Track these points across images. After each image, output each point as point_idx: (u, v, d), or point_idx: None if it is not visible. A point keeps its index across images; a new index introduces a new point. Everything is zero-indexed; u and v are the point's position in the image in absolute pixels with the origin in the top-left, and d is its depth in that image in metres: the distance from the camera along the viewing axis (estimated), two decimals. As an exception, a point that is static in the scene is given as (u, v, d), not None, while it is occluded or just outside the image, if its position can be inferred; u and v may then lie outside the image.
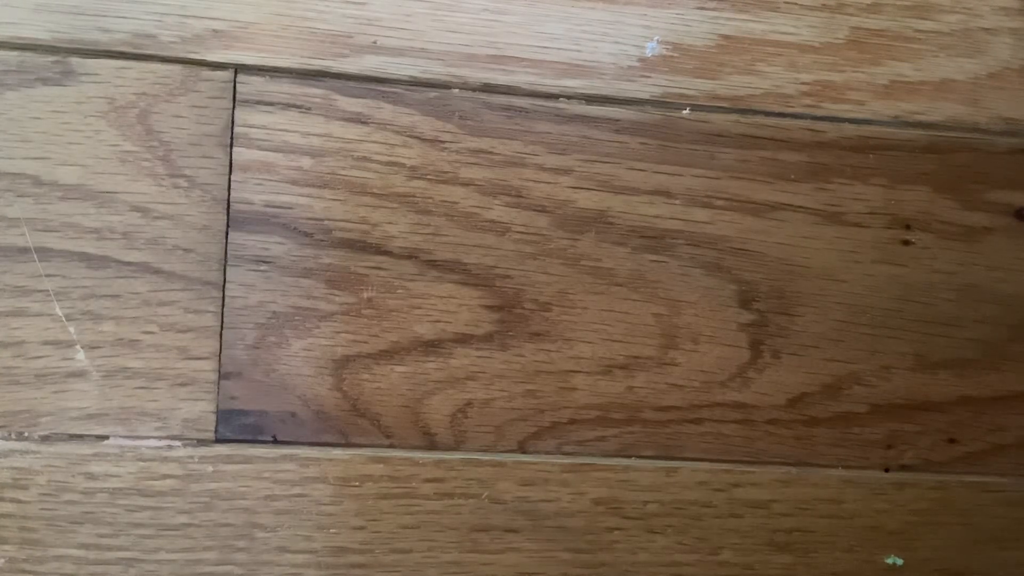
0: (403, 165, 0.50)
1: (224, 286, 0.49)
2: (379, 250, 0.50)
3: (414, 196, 0.50)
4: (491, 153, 0.51)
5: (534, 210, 0.51)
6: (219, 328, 0.48)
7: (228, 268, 0.49)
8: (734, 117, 0.52)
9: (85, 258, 0.48)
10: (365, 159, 0.50)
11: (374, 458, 0.49)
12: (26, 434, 0.47)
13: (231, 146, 0.49)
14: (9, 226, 0.47)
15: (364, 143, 0.50)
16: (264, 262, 0.49)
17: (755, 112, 0.53)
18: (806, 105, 0.53)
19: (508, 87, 0.51)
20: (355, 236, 0.50)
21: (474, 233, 0.50)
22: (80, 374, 0.47)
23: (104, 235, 0.48)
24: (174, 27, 0.49)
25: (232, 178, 0.49)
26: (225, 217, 0.49)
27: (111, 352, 0.48)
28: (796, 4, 0.53)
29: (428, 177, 0.50)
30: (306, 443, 0.49)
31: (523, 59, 0.51)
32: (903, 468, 0.53)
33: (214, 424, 0.48)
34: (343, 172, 0.50)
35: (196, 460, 0.48)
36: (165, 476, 0.48)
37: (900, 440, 0.53)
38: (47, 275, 0.47)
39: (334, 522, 0.49)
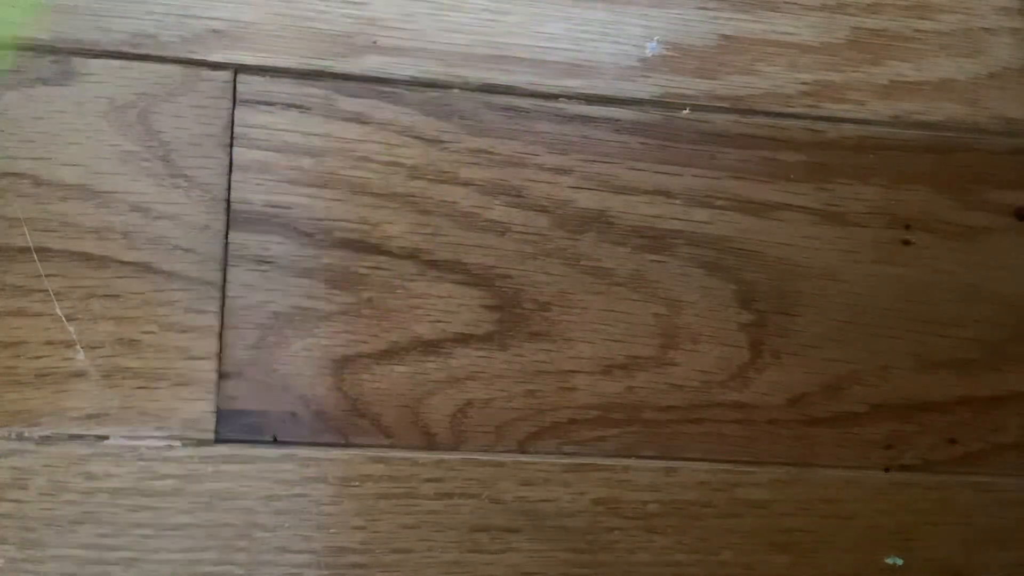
0: (403, 165, 0.50)
1: (224, 286, 0.49)
2: (379, 250, 0.50)
3: (414, 196, 0.50)
4: (491, 153, 0.51)
5: (534, 210, 0.51)
6: (219, 328, 0.48)
7: (228, 268, 0.49)
8: (734, 117, 0.53)
9: (85, 258, 0.48)
10: (365, 159, 0.50)
11: (374, 458, 0.49)
12: (26, 434, 0.47)
13: (231, 146, 0.49)
14: (9, 226, 0.47)
15: (364, 143, 0.50)
16: (264, 262, 0.49)
17: (755, 112, 0.53)
18: (806, 105, 0.53)
19: (508, 87, 0.51)
20: (355, 236, 0.50)
21: (474, 233, 0.50)
22: (80, 374, 0.47)
23: (104, 235, 0.48)
24: (174, 27, 0.49)
25: (232, 178, 0.49)
26: (225, 217, 0.49)
27: (111, 352, 0.48)
28: (796, 4, 0.53)
29: (428, 177, 0.50)
30: (306, 443, 0.49)
31: (523, 59, 0.51)
32: (903, 468, 0.53)
33: (214, 424, 0.48)
34: (343, 172, 0.50)
35: (196, 460, 0.48)
36: (165, 476, 0.48)
37: (900, 440, 0.53)
38: (47, 275, 0.47)
39: (334, 522, 0.49)
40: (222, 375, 0.48)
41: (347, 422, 0.49)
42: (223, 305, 0.49)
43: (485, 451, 0.50)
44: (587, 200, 0.51)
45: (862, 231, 0.53)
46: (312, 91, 0.50)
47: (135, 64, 0.48)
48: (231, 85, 0.49)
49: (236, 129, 0.49)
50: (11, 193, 0.47)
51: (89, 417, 0.48)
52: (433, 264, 0.50)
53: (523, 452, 0.50)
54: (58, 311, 0.47)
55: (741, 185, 0.52)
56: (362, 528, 0.49)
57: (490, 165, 0.51)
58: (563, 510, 0.51)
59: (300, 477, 0.49)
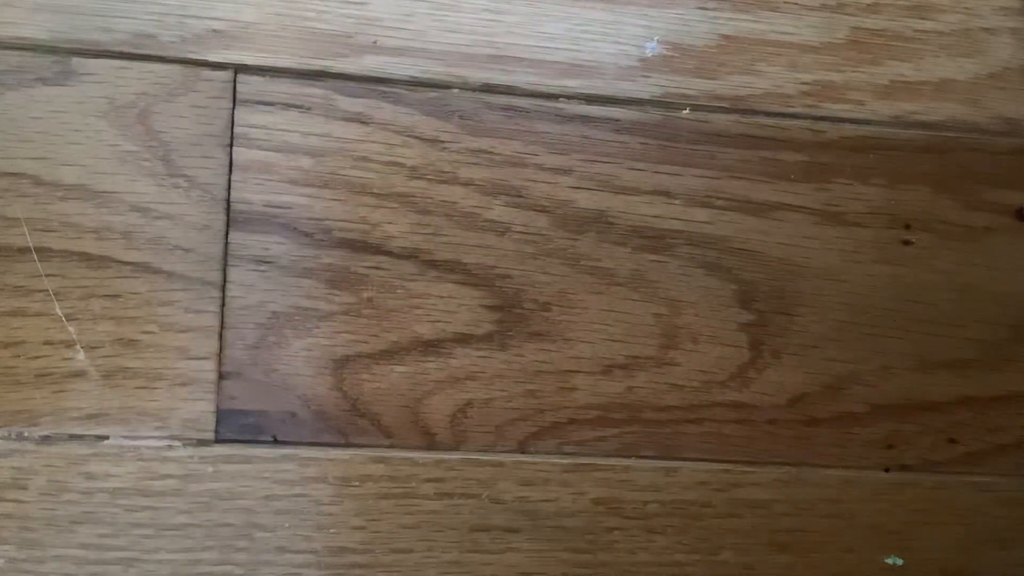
0: (403, 165, 0.50)
1: (224, 286, 0.49)
2: (379, 250, 0.50)
3: (414, 196, 0.50)
4: (491, 153, 0.51)
5: (534, 210, 0.51)
6: (219, 328, 0.48)
7: (228, 268, 0.49)
8: (734, 117, 0.53)
9: (85, 258, 0.48)
10: (365, 159, 0.50)
11: (374, 458, 0.49)
12: (26, 434, 0.47)
13: (231, 146, 0.49)
14: (9, 226, 0.47)
15: (364, 143, 0.50)
16: (264, 262, 0.49)
17: (755, 112, 0.53)
18: (806, 105, 0.53)
19: (508, 87, 0.51)
20: (355, 236, 0.50)
21: (474, 233, 0.50)
22: (80, 374, 0.47)
23: (104, 235, 0.48)
24: (174, 27, 0.49)
25: (232, 178, 0.49)
26: (225, 217, 0.49)
27: (111, 352, 0.48)
28: (796, 4, 0.53)
29: (428, 177, 0.50)
30: (306, 443, 0.49)
31: (523, 59, 0.51)
32: (903, 468, 0.53)
33: (214, 424, 0.48)
34: (343, 172, 0.50)
35: (196, 460, 0.48)
36: (165, 476, 0.48)
37: (900, 440, 0.53)
38: (47, 275, 0.47)
39: (334, 522, 0.49)
40: (222, 375, 0.48)
41: (347, 422, 0.49)
42: (223, 305, 0.49)
43: (485, 451, 0.50)
44: (587, 200, 0.51)
45: (862, 231, 0.53)
46: (312, 91, 0.50)
47: (135, 64, 0.48)
48: (231, 85, 0.49)
49: (236, 129, 0.49)
50: (11, 193, 0.47)
51: (89, 417, 0.48)
52: (433, 264, 0.50)
53: (523, 452, 0.50)
54: (58, 311, 0.47)
55: (741, 185, 0.52)
56: (362, 528, 0.49)
57: (490, 165, 0.51)
58: (563, 510, 0.51)
59: (300, 477, 0.49)
